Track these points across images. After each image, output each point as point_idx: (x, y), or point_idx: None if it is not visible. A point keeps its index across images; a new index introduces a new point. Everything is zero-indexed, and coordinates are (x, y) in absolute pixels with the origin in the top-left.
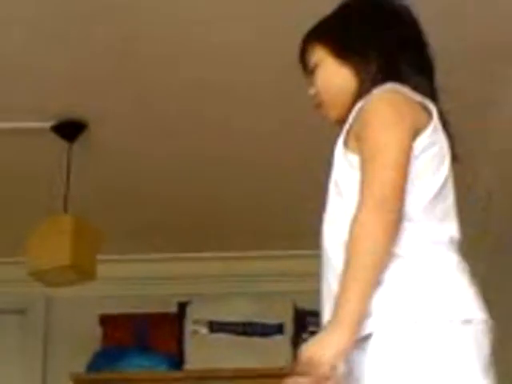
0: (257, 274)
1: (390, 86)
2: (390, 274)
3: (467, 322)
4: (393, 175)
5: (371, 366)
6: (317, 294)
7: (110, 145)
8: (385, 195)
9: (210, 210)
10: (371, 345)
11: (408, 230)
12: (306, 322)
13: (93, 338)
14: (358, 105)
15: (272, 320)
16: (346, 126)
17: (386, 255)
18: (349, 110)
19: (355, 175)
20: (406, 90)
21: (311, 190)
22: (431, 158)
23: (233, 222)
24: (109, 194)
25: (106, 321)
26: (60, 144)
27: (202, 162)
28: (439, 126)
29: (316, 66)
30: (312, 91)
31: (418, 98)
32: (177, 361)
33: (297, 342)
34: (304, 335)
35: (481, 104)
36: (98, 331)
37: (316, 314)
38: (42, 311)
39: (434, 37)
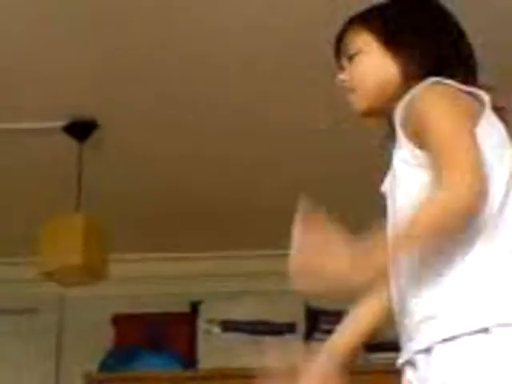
0: (268, 272)
1: (435, 79)
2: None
3: None
4: (474, 156)
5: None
6: None
7: (120, 144)
8: (472, 176)
9: (222, 210)
10: (441, 355)
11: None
12: (318, 321)
13: (105, 337)
14: (406, 98)
15: (284, 319)
16: (398, 123)
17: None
18: (382, 105)
19: (417, 172)
20: (452, 82)
21: (321, 188)
22: (491, 149)
23: (244, 221)
24: (120, 193)
25: (118, 320)
26: (71, 143)
27: (213, 163)
28: (493, 115)
29: (359, 51)
30: (345, 76)
31: (467, 88)
32: (189, 360)
33: (309, 341)
34: (316, 334)
35: None
36: (110, 331)
37: (328, 313)
38: (55, 311)
39: None
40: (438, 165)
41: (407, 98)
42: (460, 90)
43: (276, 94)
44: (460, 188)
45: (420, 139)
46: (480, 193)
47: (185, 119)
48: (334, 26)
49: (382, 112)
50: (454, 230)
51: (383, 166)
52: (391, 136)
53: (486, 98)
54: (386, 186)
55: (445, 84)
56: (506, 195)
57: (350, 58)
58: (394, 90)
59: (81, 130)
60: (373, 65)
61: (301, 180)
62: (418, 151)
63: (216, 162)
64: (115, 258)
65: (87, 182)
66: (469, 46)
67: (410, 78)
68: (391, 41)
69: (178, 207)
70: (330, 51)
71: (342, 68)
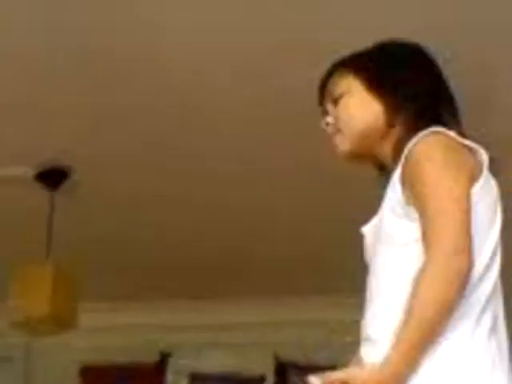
0: (239, 324)
1: (436, 129)
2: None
3: None
4: (463, 220)
5: None
6: (298, 344)
7: (92, 192)
8: (457, 246)
9: (191, 258)
10: None
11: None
12: (287, 374)
13: None
14: (407, 147)
15: (253, 371)
16: (398, 172)
17: (451, 312)
18: (366, 147)
19: (411, 226)
20: (452, 133)
21: (291, 236)
22: (485, 211)
23: (215, 270)
24: (91, 242)
25: (86, 372)
26: (43, 191)
27: (184, 209)
28: (488, 173)
29: (344, 93)
30: (329, 119)
31: (465, 141)
32: None
33: None
34: None
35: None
36: (78, 381)
37: (298, 366)
38: (22, 360)
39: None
40: (427, 233)
41: (408, 147)
42: (459, 142)
43: (264, 139)
44: (448, 261)
45: (412, 191)
46: (461, 275)
47: (158, 168)
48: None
49: (366, 154)
50: (453, 307)
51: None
52: (381, 179)
53: (484, 155)
54: (367, 230)
55: (444, 135)
56: (491, 261)
57: (335, 101)
58: (379, 133)
59: (53, 178)
60: (359, 107)
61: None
62: (408, 206)
63: (187, 209)
64: (85, 307)
65: (58, 230)
66: (451, 92)
67: (395, 122)
68: (377, 84)
69: (148, 257)
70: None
71: (325, 113)
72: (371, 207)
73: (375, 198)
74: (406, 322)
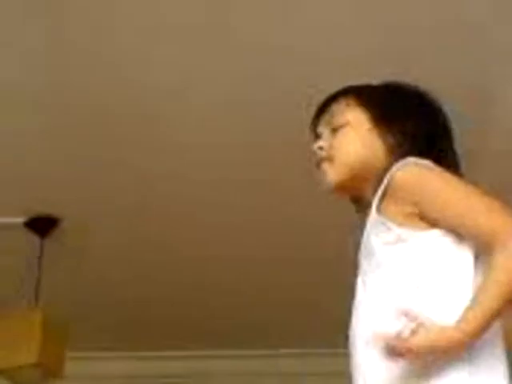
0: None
1: (414, 158)
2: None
3: None
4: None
5: None
6: None
7: (81, 240)
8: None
9: (180, 311)
10: None
11: None
12: None
13: None
14: (389, 174)
15: None
16: (377, 198)
17: None
18: (355, 182)
19: (399, 248)
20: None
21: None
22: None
23: (202, 322)
24: (79, 290)
25: None
26: (32, 238)
27: (168, 264)
28: None
29: (346, 124)
30: (324, 144)
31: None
32: None
33: None
34: None
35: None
36: None
37: None
38: None
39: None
40: (474, 231)
41: (387, 177)
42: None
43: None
44: None
45: (422, 213)
46: None
47: (145, 217)
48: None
49: (352, 189)
50: None
51: None
52: (361, 213)
53: None
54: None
55: (422, 162)
56: None
57: (335, 129)
58: (374, 171)
59: (42, 225)
60: (360, 142)
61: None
62: (396, 229)
63: (169, 264)
64: (72, 355)
65: (47, 277)
66: (453, 141)
67: (392, 163)
68: (385, 124)
69: (136, 307)
70: None
71: (317, 135)
72: None
73: None
74: (486, 289)
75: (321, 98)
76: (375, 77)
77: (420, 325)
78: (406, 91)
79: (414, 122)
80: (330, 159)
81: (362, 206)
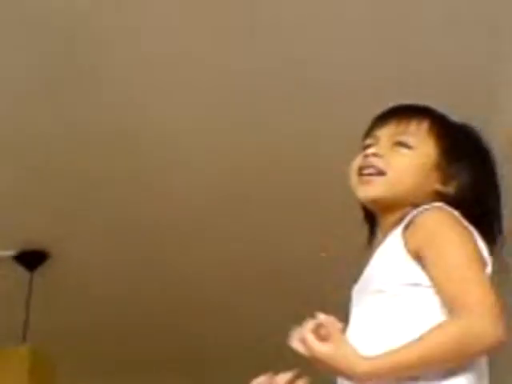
0: None
1: (442, 205)
2: None
3: None
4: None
5: None
6: None
7: (71, 274)
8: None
9: (172, 341)
10: None
11: None
12: None
13: None
14: (413, 214)
15: None
16: (400, 232)
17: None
18: (394, 206)
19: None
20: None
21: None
22: None
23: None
24: (69, 325)
25: None
26: (21, 273)
27: (161, 299)
28: None
29: (413, 148)
30: (381, 152)
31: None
32: None
33: None
34: None
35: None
36: None
37: None
38: None
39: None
40: (449, 294)
41: (413, 213)
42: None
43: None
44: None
45: (423, 258)
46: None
47: (137, 252)
48: None
49: (382, 209)
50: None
51: None
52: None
53: (488, 260)
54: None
55: (452, 212)
56: None
57: (399, 144)
58: (417, 201)
59: (31, 259)
60: (418, 174)
61: None
62: (415, 268)
63: (166, 298)
64: None
65: (36, 312)
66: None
67: (441, 201)
68: (447, 169)
69: (125, 343)
70: None
71: (374, 139)
72: None
73: None
74: (412, 343)
75: None
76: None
77: (334, 335)
78: (477, 143)
79: (473, 179)
80: (381, 173)
81: (374, 227)
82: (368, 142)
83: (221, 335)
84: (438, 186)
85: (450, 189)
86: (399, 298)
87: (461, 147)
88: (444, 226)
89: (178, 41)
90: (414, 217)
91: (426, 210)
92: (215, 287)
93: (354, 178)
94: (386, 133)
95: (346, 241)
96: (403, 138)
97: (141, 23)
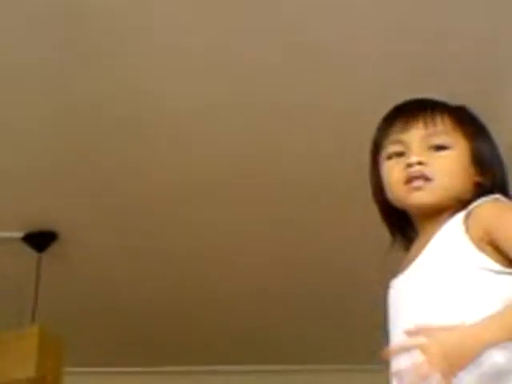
0: None
1: (499, 196)
2: None
3: None
4: None
5: None
6: None
7: (79, 255)
8: None
9: (177, 324)
10: None
11: None
12: None
13: None
14: (472, 206)
15: None
16: (460, 221)
17: None
18: (441, 210)
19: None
20: None
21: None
22: None
23: (206, 338)
24: (77, 305)
25: None
26: (30, 254)
27: (170, 277)
28: None
29: (451, 148)
30: (424, 160)
31: None
32: None
33: None
34: None
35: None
36: None
37: None
38: None
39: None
40: None
41: (470, 207)
42: None
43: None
44: None
45: (493, 240)
46: None
47: (145, 232)
48: None
49: (434, 213)
50: None
51: None
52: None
53: None
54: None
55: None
56: None
57: (437, 147)
58: (463, 197)
59: (40, 240)
60: (462, 172)
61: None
62: (485, 258)
63: (174, 275)
64: (69, 371)
65: (45, 293)
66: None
67: (480, 192)
68: (481, 149)
69: (135, 322)
70: None
71: (402, 144)
72: None
73: None
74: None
75: None
76: None
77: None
78: (481, 122)
79: (501, 166)
80: (427, 178)
81: (405, 229)
82: (396, 148)
83: (230, 322)
84: (477, 178)
85: (488, 178)
86: (459, 280)
87: (480, 132)
88: (507, 211)
89: (189, 31)
90: (475, 207)
91: (487, 201)
92: (224, 270)
93: (399, 187)
94: (414, 137)
95: (357, 219)
96: (438, 141)
97: (153, 12)
